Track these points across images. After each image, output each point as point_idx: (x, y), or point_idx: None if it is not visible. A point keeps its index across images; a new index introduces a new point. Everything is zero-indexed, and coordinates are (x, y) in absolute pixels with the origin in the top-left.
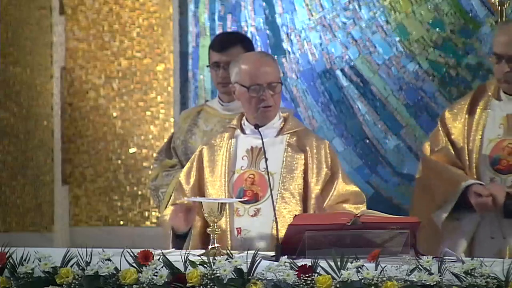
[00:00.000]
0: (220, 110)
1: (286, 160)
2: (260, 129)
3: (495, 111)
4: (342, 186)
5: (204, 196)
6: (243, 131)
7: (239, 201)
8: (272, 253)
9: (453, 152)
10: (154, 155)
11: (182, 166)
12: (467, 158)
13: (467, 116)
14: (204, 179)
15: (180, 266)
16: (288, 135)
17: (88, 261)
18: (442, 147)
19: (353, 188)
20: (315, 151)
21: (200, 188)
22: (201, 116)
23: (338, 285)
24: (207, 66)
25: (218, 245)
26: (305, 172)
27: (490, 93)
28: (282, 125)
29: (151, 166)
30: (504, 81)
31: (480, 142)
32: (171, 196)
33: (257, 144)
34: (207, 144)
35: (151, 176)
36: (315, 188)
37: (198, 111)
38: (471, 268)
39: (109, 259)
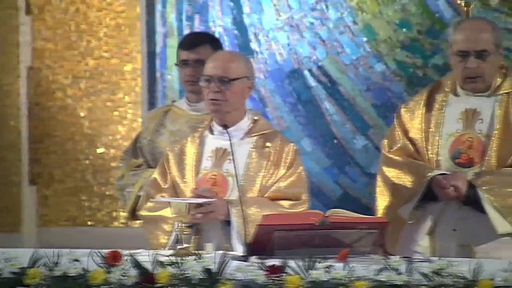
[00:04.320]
0: (188, 111)
1: (250, 163)
2: (228, 130)
3: (453, 106)
4: (288, 184)
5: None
6: (211, 132)
7: (204, 202)
8: (242, 253)
9: (412, 148)
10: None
11: (149, 166)
12: (426, 153)
13: (424, 112)
14: (175, 182)
15: (149, 267)
16: (256, 137)
17: (56, 261)
18: (400, 145)
19: (300, 191)
20: (277, 153)
21: (175, 190)
22: (168, 116)
23: (307, 285)
24: (176, 64)
25: (187, 245)
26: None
27: (447, 89)
28: (250, 127)
29: (118, 165)
30: (471, 81)
31: (439, 137)
32: (137, 195)
33: (222, 145)
34: (174, 146)
35: (117, 176)
36: (265, 189)
37: (165, 111)
38: (439, 268)
39: (77, 260)
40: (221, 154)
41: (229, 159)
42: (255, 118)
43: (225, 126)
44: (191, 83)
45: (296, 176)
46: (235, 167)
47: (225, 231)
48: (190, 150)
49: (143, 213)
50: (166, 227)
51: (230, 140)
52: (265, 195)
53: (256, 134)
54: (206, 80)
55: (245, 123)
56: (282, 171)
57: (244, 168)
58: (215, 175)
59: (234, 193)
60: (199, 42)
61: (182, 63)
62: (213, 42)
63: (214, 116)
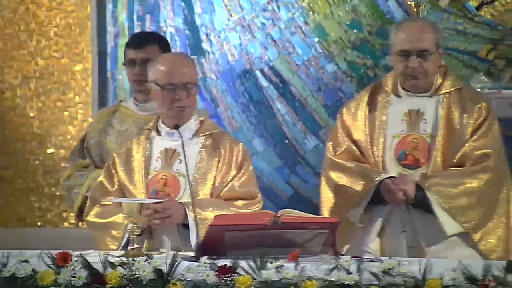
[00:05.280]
0: (136, 111)
1: (200, 163)
2: (176, 130)
3: (395, 107)
4: (241, 184)
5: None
6: (158, 133)
7: (157, 202)
8: (192, 254)
9: (357, 151)
10: None
11: (96, 167)
12: (371, 155)
13: (366, 113)
14: (123, 184)
15: (99, 267)
16: (204, 137)
17: (5, 262)
18: (345, 148)
19: (254, 190)
20: (228, 153)
21: (123, 193)
22: (116, 116)
23: (258, 285)
24: (123, 63)
25: (138, 246)
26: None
27: (388, 90)
28: (198, 127)
29: (65, 166)
30: (412, 78)
31: (384, 139)
32: (84, 196)
33: (171, 146)
34: (119, 149)
35: (64, 176)
36: (218, 189)
37: (112, 111)
38: (389, 267)
39: (26, 261)
40: (171, 155)
41: (179, 159)
42: (200, 118)
43: (177, 126)
44: (138, 82)
45: (248, 175)
46: (186, 167)
47: (181, 233)
48: (138, 153)
49: (90, 219)
50: (116, 233)
51: (182, 140)
52: (220, 196)
53: (204, 134)
54: (169, 89)
55: (192, 123)
56: (233, 171)
57: (195, 168)
58: (165, 176)
59: (186, 193)
60: (147, 41)
61: (129, 62)
62: (161, 42)
63: (176, 121)
